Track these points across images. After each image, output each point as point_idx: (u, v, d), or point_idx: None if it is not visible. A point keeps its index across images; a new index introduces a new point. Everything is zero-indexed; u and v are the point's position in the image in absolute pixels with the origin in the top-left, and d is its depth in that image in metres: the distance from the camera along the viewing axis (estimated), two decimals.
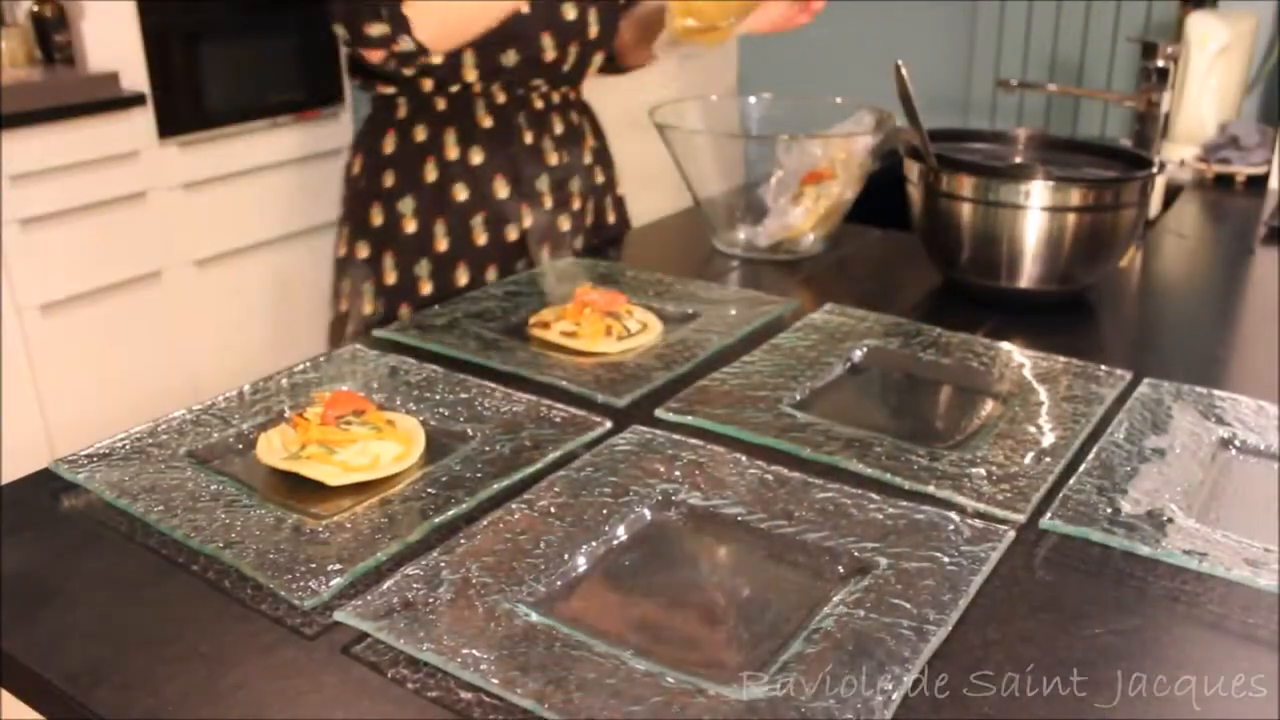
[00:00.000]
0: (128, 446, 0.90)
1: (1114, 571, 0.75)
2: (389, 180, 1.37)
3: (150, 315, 2.48)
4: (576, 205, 1.46)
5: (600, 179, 1.52)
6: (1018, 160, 1.38)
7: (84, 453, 0.88)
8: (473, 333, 1.14)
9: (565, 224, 1.45)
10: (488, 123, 1.38)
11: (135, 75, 2.39)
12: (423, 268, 1.38)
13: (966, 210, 1.22)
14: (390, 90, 1.37)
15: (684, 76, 3.03)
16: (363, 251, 1.39)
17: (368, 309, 1.39)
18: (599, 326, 1.12)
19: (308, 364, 1.06)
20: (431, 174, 1.36)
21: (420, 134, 1.37)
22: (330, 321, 1.48)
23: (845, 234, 1.49)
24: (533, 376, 1.04)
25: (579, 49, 1.39)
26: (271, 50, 2.61)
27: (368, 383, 1.02)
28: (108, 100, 2.32)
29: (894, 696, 0.61)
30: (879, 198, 1.60)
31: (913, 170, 1.28)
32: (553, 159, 1.43)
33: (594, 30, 1.38)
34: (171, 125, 2.45)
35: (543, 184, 1.41)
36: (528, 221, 1.39)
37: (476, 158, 1.37)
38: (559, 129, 1.44)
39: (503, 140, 1.39)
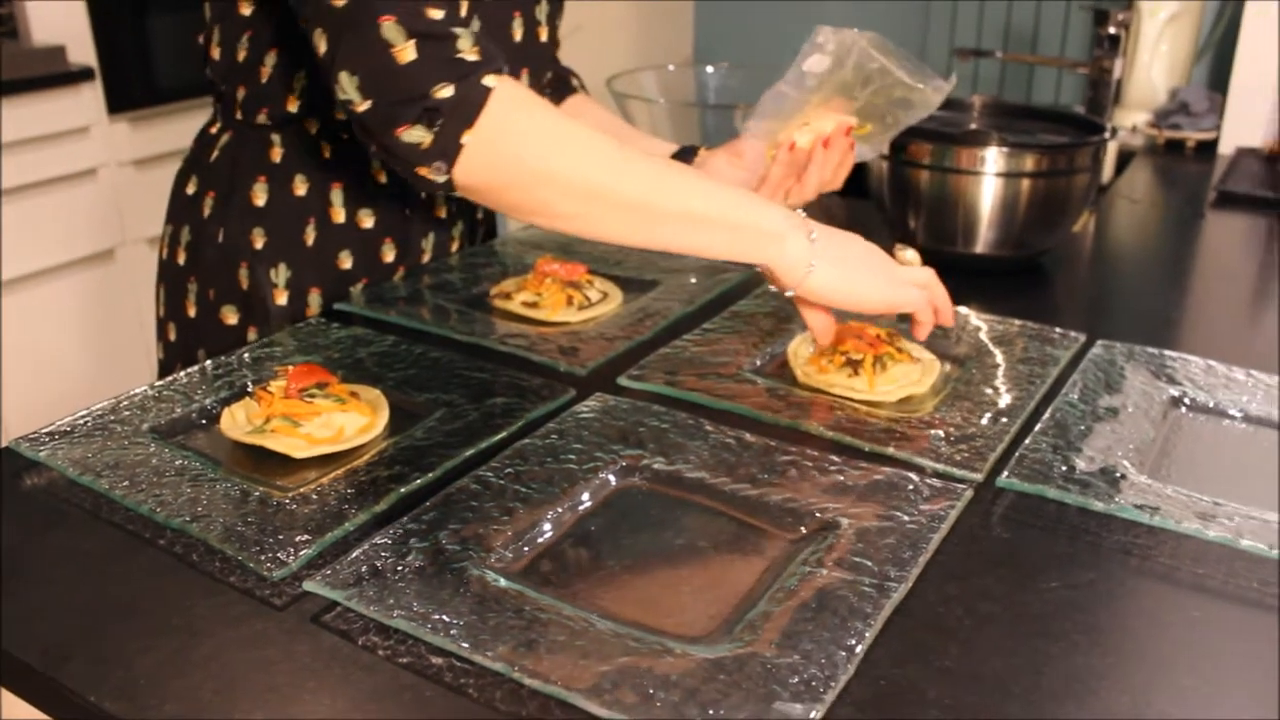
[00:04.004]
0: (89, 423, 0.89)
1: (1069, 527, 0.77)
2: (259, 242, 1.13)
3: (104, 294, 2.45)
4: (454, 248, 1.28)
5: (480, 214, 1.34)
6: (973, 127, 1.39)
7: (45, 430, 0.88)
8: (434, 304, 1.14)
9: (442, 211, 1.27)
10: (383, 178, 1.15)
11: (83, 49, 2.35)
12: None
13: (923, 177, 1.23)
14: (264, 121, 1.12)
15: (641, 46, 3.02)
16: (230, 318, 1.15)
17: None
18: (560, 297, 1.12)
19: (268, 339, 1.05)
20: (311, 237, 1.14)
21: (300, 187, 1.13)
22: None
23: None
24: (495, 347, 1.04)
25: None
26: None
27: (330, 355, 1.01)
28: (55, 75, 2.28)
29: (857, 650, 0.62)
30: None
31: None
32: (442, 212, 1.23)
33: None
34: (122, 100, 2.41)
35: (427, 243, 1.23)
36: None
37: (367, 221, 1.16)
38: None
39: (397, 198, 1.18)
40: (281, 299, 1.14)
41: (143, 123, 2.46)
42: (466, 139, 0.84)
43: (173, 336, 1.20)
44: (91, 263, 2.43)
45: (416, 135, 0.84)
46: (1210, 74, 2.24)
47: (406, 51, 0.83)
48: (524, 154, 0.85)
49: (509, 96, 0.85)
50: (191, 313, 1.17)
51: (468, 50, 0.85)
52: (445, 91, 0.83)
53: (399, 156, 0.86)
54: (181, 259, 1.17)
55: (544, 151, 0.85)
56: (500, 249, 1.30)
